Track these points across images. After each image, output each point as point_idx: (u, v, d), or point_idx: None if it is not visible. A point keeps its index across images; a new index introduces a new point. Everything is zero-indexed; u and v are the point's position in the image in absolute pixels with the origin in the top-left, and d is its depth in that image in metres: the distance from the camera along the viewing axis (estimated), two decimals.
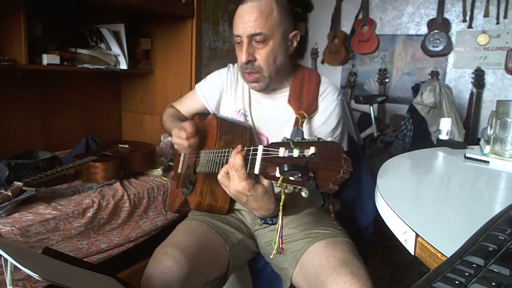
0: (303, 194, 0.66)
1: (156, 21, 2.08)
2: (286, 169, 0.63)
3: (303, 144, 0.66)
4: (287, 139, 0.70)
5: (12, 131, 1.77)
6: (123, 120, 2.36)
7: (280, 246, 0.75)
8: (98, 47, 1.92)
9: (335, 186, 0.61)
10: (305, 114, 1.04)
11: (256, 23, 0.99)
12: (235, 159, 0.80)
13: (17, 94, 1.77)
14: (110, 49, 1.91)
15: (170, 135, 1.23)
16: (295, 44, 1.09)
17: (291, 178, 0.66)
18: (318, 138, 0.66)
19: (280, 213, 0.75)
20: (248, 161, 0.81)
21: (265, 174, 0.74)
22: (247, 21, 1.00)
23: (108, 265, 1.32)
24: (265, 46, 1.02)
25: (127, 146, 1.68)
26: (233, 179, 0.83)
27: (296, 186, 0.67)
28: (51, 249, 0.78)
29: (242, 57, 1.02)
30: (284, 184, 0.68)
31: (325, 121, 1.07)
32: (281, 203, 0.74)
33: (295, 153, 0.66)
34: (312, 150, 0.63)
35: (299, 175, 0.62)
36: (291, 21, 1.06)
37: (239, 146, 0.84)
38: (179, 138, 1.06)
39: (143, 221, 1.47)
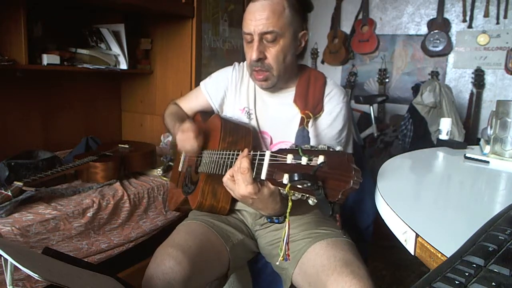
0: (310, 202, 0.65)
1: (156, 21, 2.08)
2: (296, 178, 0.62)
3: (312, 152, 0.65)
4: (296, 146, 0.69)
5: (12, 131, 1.77)
6: (123, 120, 2.36)
7: (287, 253, 0.74)
8: (98, 47, 1.92)
9: (344, 196, 0.60)
10: (310, 114, 1.04)
11: (268, 21, 0.97)
12: (242, 162, 0.80)
13: (17, 94, 1.77)
14: (110, 49, 1.91)
15: (170, 132, 1.23)
16: (303, 43, 1.08)
17: (299, 186, 0.65)
18: (328, 147, 0.64)
19: (287, 220, 0.74)
20: (254, 166, 0.80)
21: (272, 180, 0.73)
22: (258, 18, 0.98)
23: (108, 265, 1.32)
24: (275, 44, 1.01)
25: (127, 146, 1.68)
26: (238, 182, 0.82)
27: (304, 194, 0.66)
28: (51, 249, 0.78)
29: (253, 54, 1.01)
30: (292, 191, 0.67)
31: (331, 123, 1.07)
32: (288, 210, 0.72)
33: (303, 160, 0.65)
34: (321, 159, 0.62)
35: (309, 184, 0.62)
36: (300, 21, 1.05)
37: (246, 150, 0.83)
38: (188, 139, 1.06)
39: (143, 221, 1.47)
